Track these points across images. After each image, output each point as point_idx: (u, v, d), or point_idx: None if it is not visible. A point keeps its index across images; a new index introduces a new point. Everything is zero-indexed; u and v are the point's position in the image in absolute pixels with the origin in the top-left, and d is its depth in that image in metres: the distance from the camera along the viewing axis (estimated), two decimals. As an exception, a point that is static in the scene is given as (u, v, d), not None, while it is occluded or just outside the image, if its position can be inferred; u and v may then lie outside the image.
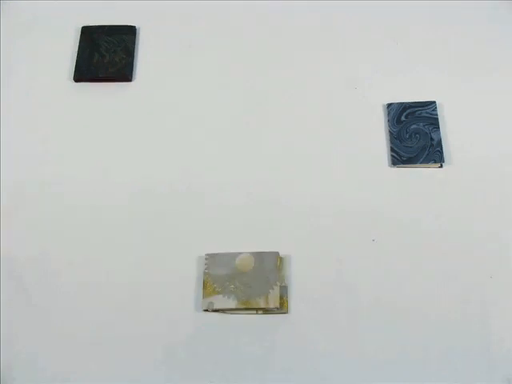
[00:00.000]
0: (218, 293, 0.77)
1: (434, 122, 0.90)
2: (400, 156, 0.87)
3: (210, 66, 0.94)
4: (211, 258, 0.79)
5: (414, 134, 0.89)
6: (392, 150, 0.88)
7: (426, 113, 0.90)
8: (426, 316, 0.76)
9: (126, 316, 0.77)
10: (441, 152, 0.87)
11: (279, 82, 0.93)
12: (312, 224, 0.82)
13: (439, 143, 0.88)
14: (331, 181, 0.85)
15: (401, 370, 0.73)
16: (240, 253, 0.79)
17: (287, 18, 0.99)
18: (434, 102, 0.91)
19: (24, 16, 0.99)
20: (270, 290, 0.77)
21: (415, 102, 0.91)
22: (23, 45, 0.97)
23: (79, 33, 0.96)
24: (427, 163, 0.87)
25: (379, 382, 0.73)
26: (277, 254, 0.79)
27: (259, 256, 0.78)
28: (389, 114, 0.91)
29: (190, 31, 0.98)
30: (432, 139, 0.88)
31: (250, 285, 0.77)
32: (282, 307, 0.76)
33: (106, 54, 0.94)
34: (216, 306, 0.76)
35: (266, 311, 0.76)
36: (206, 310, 0.77)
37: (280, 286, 0.77)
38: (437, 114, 0.90)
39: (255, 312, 0.76)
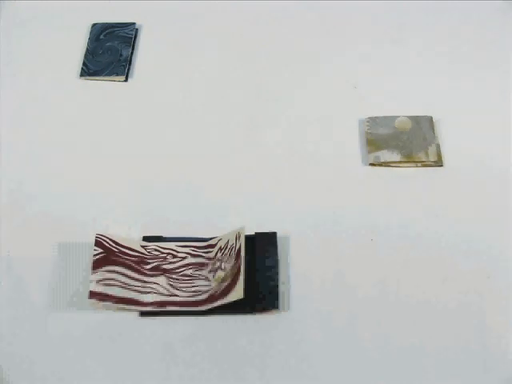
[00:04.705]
0: (383, 148, 0.87)
1: (127, 41, 0.98)
2: (88, 69, 0.96)
3: (209, 66, 0.97)
4: (372, 121, 0.89)
5: (107, 51, 0.98)
6: (84, 64, 0.96)
7: (124, 33, 0.99)
8: (424, 316, 0.76)
9: (131, 315, 0.76)
10: (125, 66, 0.96)
11: (280, 82, 0.95)
12: (311, 222, 0.83)
13: (126, 59, 0.96)
14: (330, 179, 0.86)
15: (398, 369, 0.73)
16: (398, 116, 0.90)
17: (287, 18, 1.02)
18: (134, 24, 1.00)
19: (23, 15, 1.03)
20: (429, 147, 0.87)
21: (116, 23, 1.01)
22: (22, 43, 1.00)
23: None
24: (110, 76, 0.95)
25: (376, 381, 0.72)
26: (431, 117, 0.89)
27: (415, 119, 0.89)
28: (91, 32, 1.00)
29: (191, 31, 1.01)
30: (121, 55, 0.97)
31: (410, 142, 0.88)
32: (439, 161, 0.87)
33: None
34: (382, 159, 0.86)
35: (425, 164, 0.86)
36: (373, 164, 0.87)
37: (436, 144, 0.87)
38: (132, 35, 0.99)
39: (415, 165, 0.87)
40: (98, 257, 0.77)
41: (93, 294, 0.75)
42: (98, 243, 0.78)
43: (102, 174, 0.87)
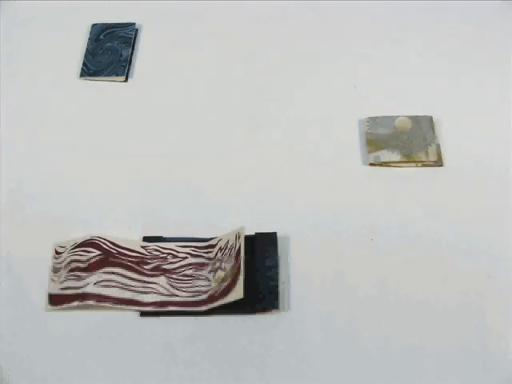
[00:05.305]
0: (383, 148, 0.87)
1: (127, 41, 0.98)
2: (88, 69, 0.96)
3: (209, 66, 0.97)
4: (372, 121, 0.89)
5: (107, 51, 0.98)
6: (84, 64, 0.96)
7: (124, 33, 1.00)
8: (424, 316, 0.76)
9: (131, 315, 0.76)
10: (125, 66, 0.96)
11: (280, 82, 0.95)
12: (311, 222, 0.83)
13: (126, 59, 0.96)
14: (330, 179, 0.86)
15: (398, 369, 0.72)
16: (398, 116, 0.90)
17: (287, 18, 1.02)
18: (134, 24, 1.00)
19: (23, 15, 1.04)
20: (429, 147, 0.87)
21: (116, 23, 1.01)
22: (22, 43, 1.00)
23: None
24: (110, 76, 0.95)
25: (376, 381, 0.72)
26: (431, 117, 0.89)
27: (415, 119, 0.90)
28: (91, 33, 1.00)
29: (191, 31, 1.01)
30: (121, 55, 0.97)
31: (410, 142, 0.88)
32: (439, 161, 0.87)
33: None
34: (382, 159, 0.86)
35: (425, 164, 0.87)
36: (373, 164, 0.87)
37: (436, 144, 0.87)
38: (132, 35, 0.99)
39: (415, 165, 0.87)
40: (95, 259, 0.77)
41: (91, 296, 0.75)
42: (94, 245, 0.78)
43: (102, 174, 0.87)
